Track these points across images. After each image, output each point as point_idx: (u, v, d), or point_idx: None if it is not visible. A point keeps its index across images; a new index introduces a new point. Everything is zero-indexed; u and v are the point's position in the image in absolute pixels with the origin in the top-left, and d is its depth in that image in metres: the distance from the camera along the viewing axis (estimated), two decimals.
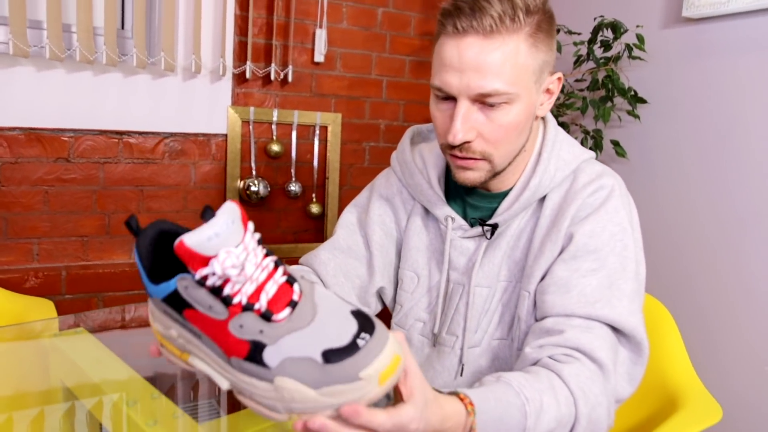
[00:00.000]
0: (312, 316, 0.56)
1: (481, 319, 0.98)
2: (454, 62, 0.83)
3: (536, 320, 0.92)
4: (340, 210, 2.24)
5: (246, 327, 0.54)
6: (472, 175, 0.91)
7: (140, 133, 1.87)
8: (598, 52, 1.88)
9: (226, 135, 1.99)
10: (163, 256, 0.62)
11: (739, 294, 1.69)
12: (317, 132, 2.14)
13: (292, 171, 2.10)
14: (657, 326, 1.32)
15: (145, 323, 1.37)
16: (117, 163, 1.85)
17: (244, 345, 0.54)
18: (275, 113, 2.05)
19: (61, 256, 1.82)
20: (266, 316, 0.55)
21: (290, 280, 0.57)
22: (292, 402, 0.53)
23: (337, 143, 2.19)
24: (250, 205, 2.06)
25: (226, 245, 0.53)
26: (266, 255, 0.57)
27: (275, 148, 2.05)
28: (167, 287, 0.56)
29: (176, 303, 0.56)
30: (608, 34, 1.84)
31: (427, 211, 1.05)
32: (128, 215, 1.88)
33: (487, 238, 0.97)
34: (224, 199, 2.02)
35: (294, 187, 2.10)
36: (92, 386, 0.88)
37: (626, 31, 1.78)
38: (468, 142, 0.86)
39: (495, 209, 0.98)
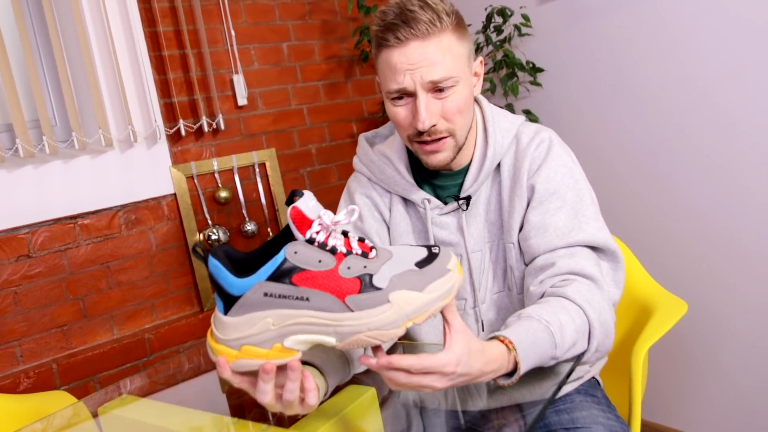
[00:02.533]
0: (390, 253, 0.74)
1: (480, 279, 1.13)
2: (405, 65, 0.99)
3: (526, 264, 1.09)
4: None
5: (353, 267, 0.71)
6: (441, 156, 1.07)
7: (93, 213, 1.90)
8: (493, 36, 2.10)
9: (174, 194, 2.05)
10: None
11: (661, 207, 1.95)
12: (257, 170, 2.24)
13: (244, 212, 2.19)
14: None
15: (183, 377, 1.43)
16: (78, 247, 1.87)
17: (355, 282, 0.70)
18: (215, 162, 2.13)
19: (45, 350, 1.82)
20: (364, 255, 0.72)
21: (361, 238, 0.74)
22: (407, 307, 0.70)
23: (278, 176, 2.29)
24: None
25: (320, 211, 0.71)
26: None
27: (223, 194, 2.13)
28: (275, 261, 0.70)
29: (282, 275, 0.70)
30: (498, 19, 2.06)
31: (405, 199, 1.19)
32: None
33: (463, 210, 1.12)
34: (189, 256, 2.08)
35: (250, 227, 2.18)
36: None
37: (512, 13, 2.01)
38: (434, 125, 1.02)
39: (460, 185, 1.14)
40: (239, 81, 2.17)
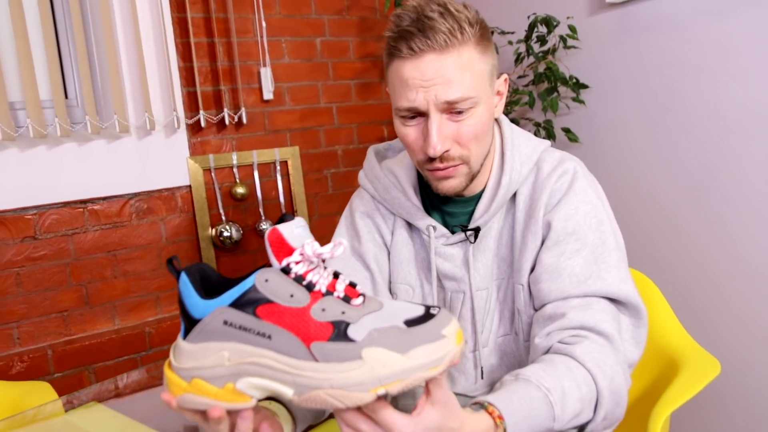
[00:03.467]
0: (380, 305, 0.62)
1: (484, 320, 1.02)
2: (418, 81, 0.87)
3: (536, 310, 0.96)
4: None
5: (328, 310, 0.60)
6: (453, 182, 0.95)
7: (104, 199, 1.85)
8: (536, 47, 1.96)
9: (189, 186, 1.99)
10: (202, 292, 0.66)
11: (709, 248, 1.79)
12: (278, 168, 2.16)
13: (261, 210, 2.11)
14: (643, 296, 1.39)
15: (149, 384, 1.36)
16: (85, 233, 1.83)
17: (327, 327, 0.60)
18: (234, 156, 2.06)
19: (43, 335, 1.78)
20: (346, 300, 0.61)
21: (352, 283, 0.64)
22: (382, 370, 0.58)
23: (299, 176, 2.21)
24: (225, 250, 2.06)
25: (306, 240, 0.62)
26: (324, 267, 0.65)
27: (240, 190, 2.06)
28: (242, 286, 0.61)
29: (247, 304, 0.61)
30: (542, 29, 1.92)
31: (410, 224, 1.08)
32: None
33: (471, 242, 1.00)
34: (199, 250, 2.01)
35: (265, 226, 2.11)
36: None
37: (558, 23, 1.87)
38: (446, 151, 0.90)
39: (471, 213, 1.01)
40: (267, 74, 2.09)
